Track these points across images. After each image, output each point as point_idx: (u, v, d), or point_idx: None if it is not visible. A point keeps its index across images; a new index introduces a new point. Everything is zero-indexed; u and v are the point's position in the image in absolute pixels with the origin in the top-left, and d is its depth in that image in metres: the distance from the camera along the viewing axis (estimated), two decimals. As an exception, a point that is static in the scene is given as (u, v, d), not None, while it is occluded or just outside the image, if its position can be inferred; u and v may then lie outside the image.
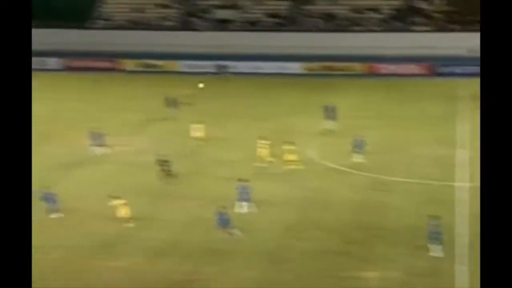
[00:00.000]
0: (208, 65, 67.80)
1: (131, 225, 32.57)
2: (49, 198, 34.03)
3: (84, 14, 76.65)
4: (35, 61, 71.96)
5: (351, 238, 31.76)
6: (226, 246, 31.02)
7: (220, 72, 66.76)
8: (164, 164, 39.03)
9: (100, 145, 43.32)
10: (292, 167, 39.47)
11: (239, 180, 34.74)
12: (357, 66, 66.98)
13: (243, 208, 34.18)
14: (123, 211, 32.59)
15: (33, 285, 27.49)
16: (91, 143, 43.43)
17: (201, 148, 44.18)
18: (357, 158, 40.81)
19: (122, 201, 32.67)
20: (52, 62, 72.53)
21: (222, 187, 36.59)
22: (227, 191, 35.20)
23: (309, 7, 75.78)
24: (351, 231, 32.46)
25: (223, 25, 74.98)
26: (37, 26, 72.62)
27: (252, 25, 74.56)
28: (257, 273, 28.78)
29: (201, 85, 58.79)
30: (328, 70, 67.69)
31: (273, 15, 75.35)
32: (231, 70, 66.85)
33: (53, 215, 33.87)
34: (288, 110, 53.57)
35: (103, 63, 71.39)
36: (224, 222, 31.62)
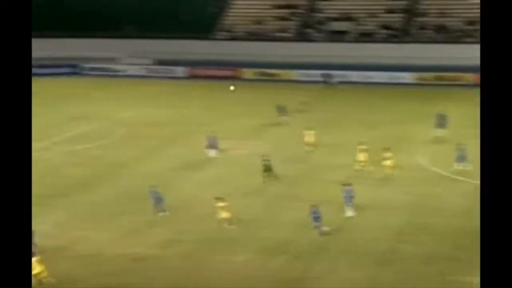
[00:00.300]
0: (321, 75, 67.41)
1: (233, 226, 31.79)
2: (158, 198, 33.60)
3: (208, 26, 77.30)
4: (163, 70, 73.91)
5: (460, 243, 29.93)
6: (334, 246, 29.94)
7: (330, 82, 65.91)
8: (266, 167, 38.21)
9: (215, 149, 42.95)
10: (389, 171, 38.18)
11: (345, 184, 33.60)
12: (469, 77, 64.92)
13: (350, 211, 32.97)
14: (223, 214, 31.94)
15: (144, 279, 27.38)
16: (207, 146, 43.11)
17: (311, 153, 43.18)
18: (466, 166, 38.89)
19: (225, 203, 32.02)
20: (179, 70, 73.77)
21: (329, 190, 35.38)
22: (334, 193, 34.07)
23: (422, 19, 73.71)
24: (460, 237, 30.62)
25: (338, 36, 73.76)
26: (166, 38, 74.12)
27: (366, 37, 73.06)
28: (364, 274, 27.52)
29: (232, 88, 57.71)
30: (440, 80, 66.29)
31: (386, 27, 73.66)
32: (343, 79, 66.03)
33: (161, 213, 33.42)
34: (399, 118, 52.25)
35: (224, 71, 71.90)
36: (316, 220, 30.76)
